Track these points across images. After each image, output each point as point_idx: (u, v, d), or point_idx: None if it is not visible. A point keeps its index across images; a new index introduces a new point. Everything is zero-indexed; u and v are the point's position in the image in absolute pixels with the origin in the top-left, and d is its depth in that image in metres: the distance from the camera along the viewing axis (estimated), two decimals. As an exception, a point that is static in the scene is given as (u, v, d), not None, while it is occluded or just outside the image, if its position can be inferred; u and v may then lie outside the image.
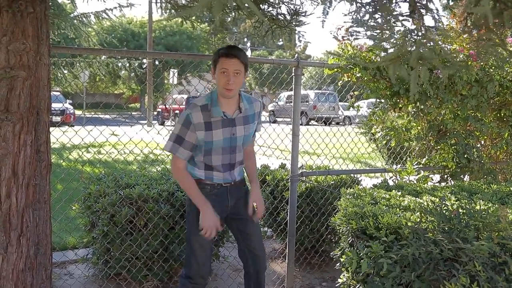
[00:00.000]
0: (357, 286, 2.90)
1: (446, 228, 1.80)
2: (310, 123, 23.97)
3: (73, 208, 3.85)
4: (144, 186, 3.61)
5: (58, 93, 20.97)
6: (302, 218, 4.23)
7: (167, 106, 23.82)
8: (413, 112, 4.01)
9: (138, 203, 3.46)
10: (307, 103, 24.53)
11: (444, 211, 1.92)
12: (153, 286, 3.62)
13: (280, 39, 48.61)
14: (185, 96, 23.65)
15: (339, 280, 3.07)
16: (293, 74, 3.69)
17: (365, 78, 3.78)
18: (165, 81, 34.24)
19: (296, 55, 3.97)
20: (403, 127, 4.10)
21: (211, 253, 2.92)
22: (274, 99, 31.08)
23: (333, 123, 25.50)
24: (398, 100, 3.96)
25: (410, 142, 4.18)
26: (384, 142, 4.32)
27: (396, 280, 1.94)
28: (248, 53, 49.55)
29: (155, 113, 24.73)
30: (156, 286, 3.62)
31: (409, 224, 2.19)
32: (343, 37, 3.85)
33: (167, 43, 32.21)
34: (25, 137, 1.92)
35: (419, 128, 4.18)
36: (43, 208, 1.94)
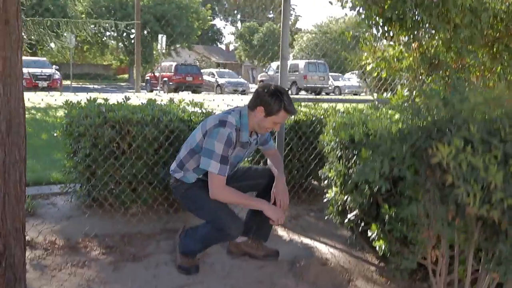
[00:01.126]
0: (345, 198, 2.85)
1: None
2: (300, 93, 23.84)
3: (55, 134, 3.73)
4: (127, 111, 3.49)
5: (45, 59, 20.59)
6: (290, 156, 4.16)
7: (155, 74, 23.54)
8: (406, 40, 3.91)
9: (122, 127, 3.35)
10: (297, 73, 24.32)
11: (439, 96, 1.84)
12: (138, 214, 3.53)
13: (271, 12, 48.09)
14: (174, 64, 23.38)
15: (327, 195, 3.02)
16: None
17: (357, 2, 3.67)
18: (154, 52, 33.78)
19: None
20: (394, 57, 4.01)
21: None
22: (264, 70, 30.88)
23: (323, 93, 25.47)
24: (390, 28, 3.86)
25: (401, 73, 4.10)
26: (375, 74, 4.23)
27: (384, 167, 1.86)
28: (238, 25, 48.96)
29: (143, 84, 24.42)
30: (141, 213, 3.53)
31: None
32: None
33: (155, 12, 31.63)
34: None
35: (410, 59, 4.09)
36: (14, 84, 1.82)
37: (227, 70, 31.74)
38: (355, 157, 2.70)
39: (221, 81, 25.94)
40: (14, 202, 1.89)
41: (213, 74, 26.88)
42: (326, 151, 3.08)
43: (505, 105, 1.62)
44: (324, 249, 3.31)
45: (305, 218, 3.97)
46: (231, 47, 50.25)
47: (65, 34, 15.31)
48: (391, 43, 4.04)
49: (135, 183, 3.39)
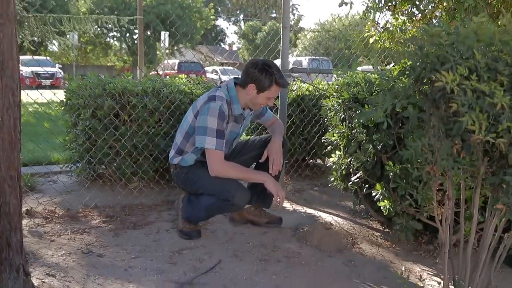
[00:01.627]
0: (349, 160, 2.80)
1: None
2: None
3: (56, 108, 3.70)
4: (128, 84, 3.45)
5: (48, 58, 20.67)
6: (293, 128, 4.11)
7: (158, 72, 23.53)
8: (409, 10, 3.85)
9: (122, 97, 3.31)
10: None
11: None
12: (139, 186, 3.49)
13: (274, 11, 48.04)
14: (177, 61, 23.39)
15: (330, 160, 2.97)
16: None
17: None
18: (157, 52, 33.82)
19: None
20: (397, 28, 3.95)
21: None
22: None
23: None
24: (393, -3, 3.80)
25: (402, 46, 4.03)
26: (378, 45, 4.17)
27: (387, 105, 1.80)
28: (242, 25, 48.95)
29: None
30: (142, 186, 3.49)
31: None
32: None
33: (158, 12, 31.63)
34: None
35: (413, 30, 4.03)
36: (6, 25, 1.78)
37: (230, 67, 31.73)
38: (359, 112, 2.66)
39: (224, 78, 25.91)
40: (9, 148, 1.85)
41: (216, 71, 26.87)
42: (329, 116, 3.03)
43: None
44: (328, 218, 3.26)
45: (309, 192, 3.91)
46: (235, 47, 50.25)
47: (68, 32, 15.32)
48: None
49: (136, 154, 3.34)
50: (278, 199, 2.66)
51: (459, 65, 1.52)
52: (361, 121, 2.53)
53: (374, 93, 2.55)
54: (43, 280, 2.13)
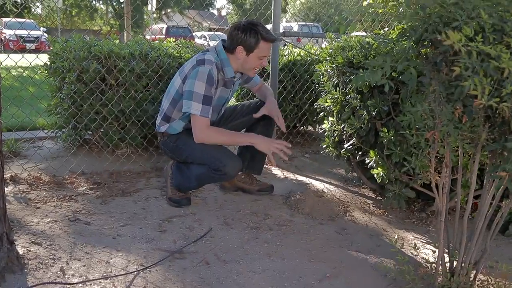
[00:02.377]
0: (342, 127, 2.73)
1: None
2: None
3: (39, 72, 3.56)
4: (114, 46, 3.32)
5: (32, 21, 20.09)
6: (284, 94, 4.02)
7: (146, 36, 23.10)
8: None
9: (109, 60, 3.18)
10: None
11: None
12: (128, 152, 3.40)
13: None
14: (165, 26, 22.93)
15: (323, 126, 2.91)
16: None
17: None
18: (145, 17, 33.06)
19: None
20: None
21: None
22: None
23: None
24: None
25: (400, 7, 3.92)
26: (371, 10, 4.05)
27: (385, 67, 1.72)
28: (231, -11, 47.93)
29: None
30: (130, 152, 3.40)
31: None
32: None
33: (145, -25, 30.77)
34: None
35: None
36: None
37: (219, 33, 31.23)
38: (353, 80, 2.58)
39: (213, 44, 25.47)
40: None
41: (205, 37, 26.41)
42: (322, 81, 2.95)
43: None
44: (319, 185, 3.22)
45: (300, 159, 3.87)
46: (224, 12, 49.37)
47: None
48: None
49: (123, 119, 3.24)
50: (281, 153, 2.56)
51: (466, 24, 1.44)
52: (356, 86, 2.45)
53: (369, 57, 2.47)
54: (28, 249, 2.07)
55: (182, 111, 2.60)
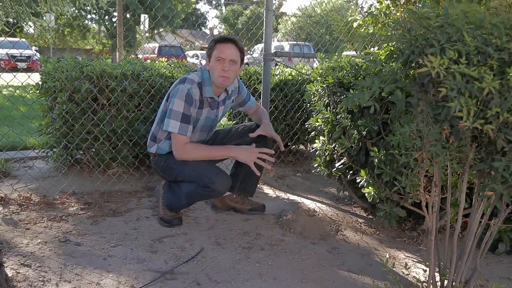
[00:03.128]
0: (333, 146, 2.76)
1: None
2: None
3: (31, 91, 3.56)
4: (106, 66, 3.34)
5: (24, 40, 20.10)
6: (276, 114, 4.05)
7: (138, 56, 23.18)
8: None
9: (101, 80, 3.20)
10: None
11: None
12: (119, 172, 3.40)
13: (255, -5, 47.53)
14: (157, 45, 23.05)
15: (314, 145, 2.93)
16: None
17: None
18: (137, 36, 33.25)
19: None
20: (381, 12, 3.90)
21: None
22: (248, 51, 30.53)
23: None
24: (377, -19, 3.75)
25: (388, 29, 4.00)
26: (362, 30, 4.12)
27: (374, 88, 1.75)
28: (223, 9, 48.40)
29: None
30: (122, 172, 3.40)
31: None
32: None
33: (138, -5, 31.02)
34: None
35: (398, 14, 3.99)
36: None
37: (211, 52, 31.33)
38: (343, 101, 2.60)
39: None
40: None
41: (197, 55, 26.55)
42: (313, 101, 2.98)
43: (502, 14, 1.52)
44: (311, 204, 3.23)
45: (292, 178, 3.88)
46: (216, 32, 49.75)
47: (44, 13, 14.89)
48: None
49: (115, 139, 3.24)
50: (264, 163, 2.58)
51: (447, 48, 1.47)
52: (347, 106, 2.48)
53: (359, 78, 2.51)
54: (17, 271, 2.05)
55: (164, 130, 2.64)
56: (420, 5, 3.85)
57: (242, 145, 2.68)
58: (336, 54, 2.70)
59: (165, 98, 2.72)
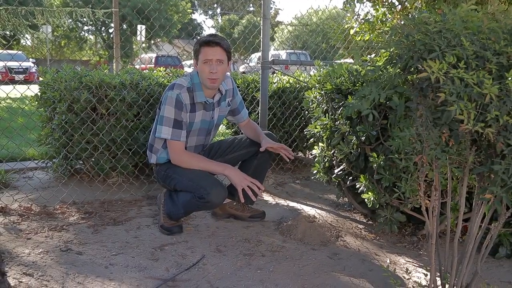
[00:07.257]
0: (332, 152, 2.77)
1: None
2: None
3: (29, 102, 3.57)
4: (105, 76, 3.36)
5: (21, 52, 20.16)
6: (274, 121, 4.07)
7: (135, 66, 23.24)
8: (389, 1, 3.84)
9: (100, 90, 3.21)
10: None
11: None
12: (119, 181, 3.40)
13: (251, 5, 47.84)
14: (154, 55, 23.11)
15: (313, 152, 2.94)
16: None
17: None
18: (134, 46, 33.35)
19: None
20: (377, 19, 3.94)
21: None
22: (245, 60, 30.61)
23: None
24: (373, -11, 3.79)
25: (385, 36, 4.03)
26: (358, 38, 4.15)
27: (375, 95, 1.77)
28: (219, 19, 48.63)
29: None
30: (122, 181, 3.41)
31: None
32: None
33: (134, 5, 31.14)
34: None
35: (394, 21, 4.02)
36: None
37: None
38: (341, 108, 2.63)
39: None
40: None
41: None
42: (311, 108, 3.00)
43: (500, 19, 1.55)
44: (311, 211, 3.23)
45: (291, 185, 3.89)
46: (212, 42, 49.87)
47: (40, 25, 14.94)
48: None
49: (114, 148, 3.26)
50: (250, 193, 2.57)
51: (446, 53, 1.49)
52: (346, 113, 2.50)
53: (357, 84, 2.53)
54: (20, 280, 2.05)
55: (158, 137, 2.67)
56: (416, 12, 3.88)
57: (238, 169, 2.73)
58: (336, 64, 2.73)
59: (158, 107, 2.75)
